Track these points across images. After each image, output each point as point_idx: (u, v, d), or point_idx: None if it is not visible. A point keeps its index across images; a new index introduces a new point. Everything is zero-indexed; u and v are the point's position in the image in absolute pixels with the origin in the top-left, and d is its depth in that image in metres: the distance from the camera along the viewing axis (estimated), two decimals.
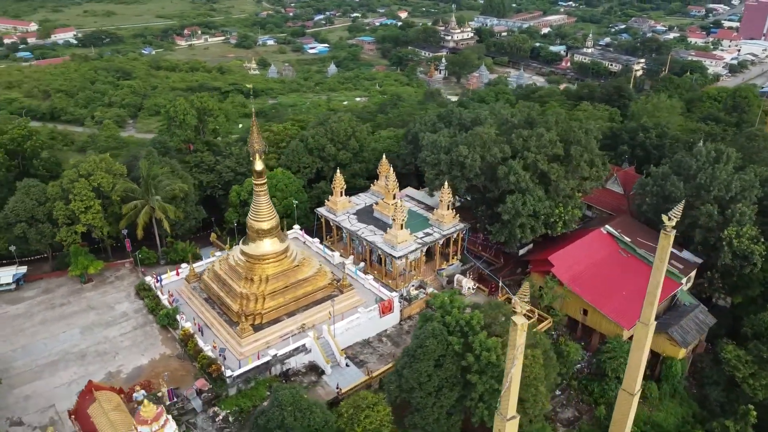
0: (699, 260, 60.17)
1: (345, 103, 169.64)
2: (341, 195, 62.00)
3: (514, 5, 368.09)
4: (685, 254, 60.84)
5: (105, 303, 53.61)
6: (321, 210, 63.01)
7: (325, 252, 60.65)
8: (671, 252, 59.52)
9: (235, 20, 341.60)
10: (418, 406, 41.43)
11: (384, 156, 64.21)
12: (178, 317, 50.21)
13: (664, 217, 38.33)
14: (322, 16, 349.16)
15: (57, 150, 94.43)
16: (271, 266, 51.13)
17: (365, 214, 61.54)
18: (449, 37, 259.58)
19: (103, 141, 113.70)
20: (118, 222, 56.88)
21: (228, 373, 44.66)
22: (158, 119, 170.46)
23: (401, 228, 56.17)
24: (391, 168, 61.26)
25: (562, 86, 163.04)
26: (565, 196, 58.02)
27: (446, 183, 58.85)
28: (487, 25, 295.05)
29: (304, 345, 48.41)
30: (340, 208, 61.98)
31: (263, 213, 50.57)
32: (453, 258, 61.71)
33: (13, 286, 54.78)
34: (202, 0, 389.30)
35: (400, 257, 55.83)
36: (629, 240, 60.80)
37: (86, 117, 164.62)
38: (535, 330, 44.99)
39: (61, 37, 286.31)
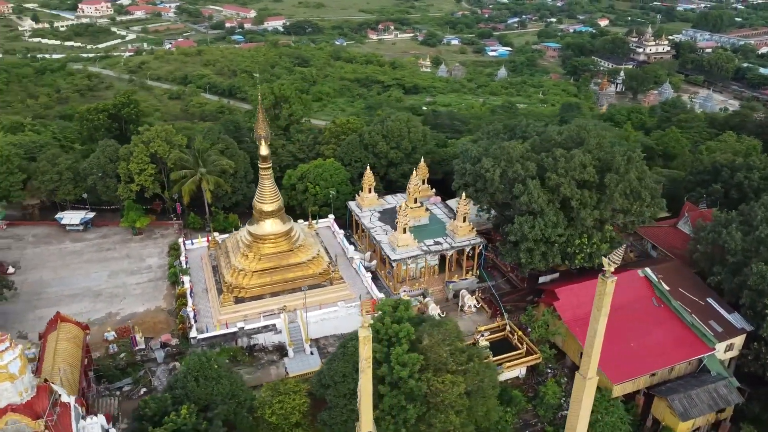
0: (749, 327, 51.21)
1: (522, 106, 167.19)
2: (369, 192, 63.05)
3: (738, 19, 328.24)
4: (734, 317, 52.06)
5: (140, 255, 61.28)
6: (351, 204, 64.70)
7: (343, 244, 62.34)
8: (717, 312, 52.16)
9: (429, 18, 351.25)
10: (331, 404, 41.78)
11: (422, 159, 63.95)
12: (185, 277, 55.79)
13: (605, 261, 34.01)
14: (516, 20, 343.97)
15: None
16: (268, 246, 54.30)
17: (389, 214, 61.87)
18: (641, 50, 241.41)
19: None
20: (171, 187, 64.44)
21: (193, 334, 48.99)
22: (318, 104, 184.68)
23: (404, 232, 55.81)
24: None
25: (758, 115, 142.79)
26: (590, 226, 52.89)
27: (464, 194, 57.04)
28: (693, 39, 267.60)
29: (274, 325, 50.97)
30: (367, 204, 63.12)
31: (267, 195, 53.87)
32: (467, 273, 59.55)
33: (80, 228, 65.01)
34: None
35: (396, 260, 55.61)
36: (668, 288, 53.71)
37: (252, 97, 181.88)
38: (480, 359, 42.32)
39: (272, 24, 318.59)
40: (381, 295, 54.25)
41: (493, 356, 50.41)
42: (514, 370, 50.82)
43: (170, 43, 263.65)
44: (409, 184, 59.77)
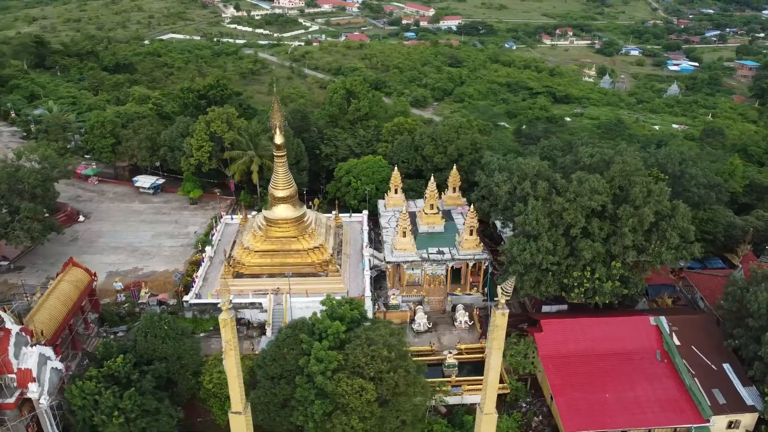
0: (760, 405, 43.51)
1: (656, 127, 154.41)
2: (396, 192, 63.25)
3: None
4: (748, 392, 44.60)
5: (186, 222, 67.93)
6: (379, 202, 65.38)
7: (365, 240, 63.35)
8: (729, 382, 45.40)
9: (615, 26, 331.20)
10: (259, 385, 43.78)
11: (455, 166, 62.58)
12: (207, 247, 61.02)
13: (499, 289, 32.03)
14: (716, 33, 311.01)
15: None
16: (275, 230, 57.30)
17: (409, 217, 61.53)
18: None
19: (390, 111, 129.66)
20: (228, 165, 70.45)
21: (187, 298, 53.84)
22: (459, 105, 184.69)
23: (403, 235, 55.51)
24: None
25: None
26: (590, 259, 48.36)
27: (472, 206, 55.09)
28: None
29: (261, 303, 54.09)
30: (391, 204, 63.41)
31: (280, 182, 56.79)
32: (473, 288, 57.43)
33: (150, 191, 73.66)
34: (596, 2, 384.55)
35: (389, 262, 55.55)
36: (678, 344, 47.56)
37: (397, 92, 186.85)
38: (408, 372, 41.32)
39: (447, 23, 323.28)
40: (368, 294, 54.69)
41: (459, 376, 48.92)
42: (478, 395, 48.46)
43: (344, 36, 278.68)
44: (427, 189, 59.00)
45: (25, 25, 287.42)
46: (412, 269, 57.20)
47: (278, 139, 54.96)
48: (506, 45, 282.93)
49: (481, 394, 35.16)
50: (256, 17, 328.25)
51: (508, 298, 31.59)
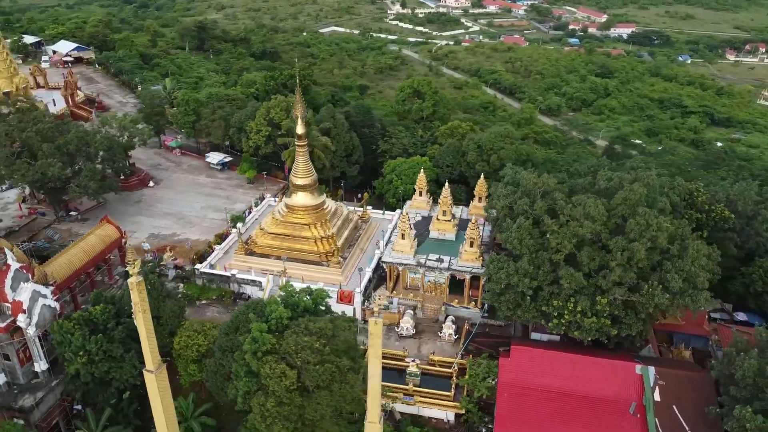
0: None
1: None
2: (420, 195, 62.56)
3: None
4: None
5: (236, 198, 72.94)
6: (407, 203, 65.01)
7: (385, 237, 63.52)
8: None
9: None
10: (215, 354, 46.54)
11: (482, 176, 60.38)
12: (239, 224, 65.30)
13: (374, 298, 31.77)
14: None
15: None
16: (291, 215, 59.81)
17: (426, 222, 60.73)
18: None
19: (514, 117, 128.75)
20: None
21: (198, 266, 58.44)
22: (595, 118, 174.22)
23: (402, 237, 55.03)
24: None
25: None
26: (570, 289, 44.57)
27: (474, 218, 53.04)
28: None
29: (260, 282, 57.06)
30: (414, 206, 62.84)
31: (300, 170, 59.16)
32: (471, 302, 55.32)
33: (218, 167, 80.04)
34: None
35: (384, 261, 55.41)
36: (658, 399, 42.52)
37: (529, 98, 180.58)
38: (341, 371, 41.48)
39: (618, 31, 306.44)
40: (357, 290, 55.14)
41: (424, 387, 48.01)
42: (434, 409, 47.27)
43: (501, 38, 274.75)
44: (441, 195, 57.75)
45: (213, 12, 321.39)
46: (414, 273, 56.59)
47: (299, 128, 57.28)
48: (680, 58, 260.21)
49: (368, 404, 34.57)
50: (419, 15, 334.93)
51: (383, 308, 30.86)
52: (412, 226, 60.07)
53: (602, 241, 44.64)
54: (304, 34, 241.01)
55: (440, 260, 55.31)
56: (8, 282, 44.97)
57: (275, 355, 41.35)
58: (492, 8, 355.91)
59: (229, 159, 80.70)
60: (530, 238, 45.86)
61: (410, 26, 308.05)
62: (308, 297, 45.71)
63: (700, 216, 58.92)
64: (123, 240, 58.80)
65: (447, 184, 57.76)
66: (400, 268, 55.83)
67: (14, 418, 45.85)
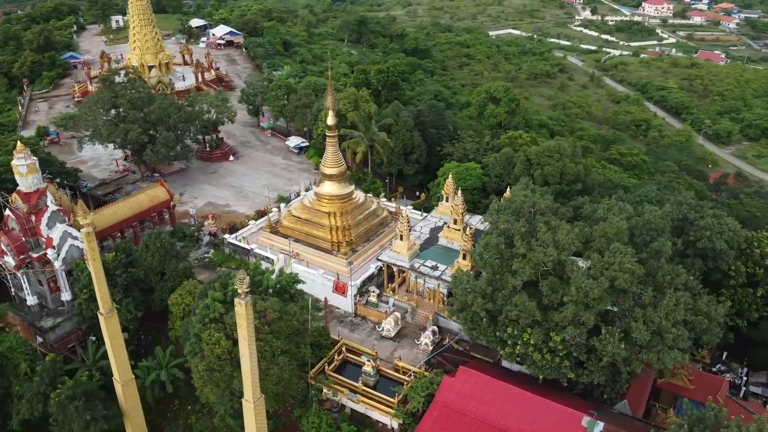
0: None
1: None
2: (446, 200, 60.77)
3: None
4: None
5: (296, 181, 76.69)
6: (436, 208, 63.66)
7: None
8: None
9: None
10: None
11: (509, 189, 57.14)
12: (281, 204, 69.07)
13: (236, 277, 33.27)
14: None
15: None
16: (318, 203, 61.98)
17: (438, 227, 59.23)
18: None
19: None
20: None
21: (226, 236, 63.37)
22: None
23: (400, 239, 54.44)
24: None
25: None
26: (518, 319, 41.19)
27: (467, 229, 50.74)
28: None
29: (272, 260, 60.26)
30: (439, 211, 61.40)
31: (329, 161, 61.04)
32: None
33: (295, 151, 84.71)
34: None
35: (381, 260, 55.25)
36: None
37: (696, 120, 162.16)
38: (272, 350, 43.01)
39: None
40: (354, 283, 55.78)
41: (378, 389, 47.79)
42: (376, 413, 46.75)
43: (697, 53, 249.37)
44: (452, 202, 55.90)
45: (399, 8, 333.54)
46: (415, 277, 55.84)
47: (330, 120, 59.21)
48: None
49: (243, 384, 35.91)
50: (609, 22, 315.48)
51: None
52: (422, 229, 59.43)
53: (566, 273, 40.65)
54: (467, 34, 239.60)
55: (435, 268, 53.90)
56: (44, 220, 53.17)
57: (219, 324, 44.10)
58: (697, 20, 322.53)
59: (306, 144, 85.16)
60: (496, 257, 43.14)
61: (595, 34, 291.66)
62: (273, 278, 47.76)
63: (755, 270, 50.84)
64: (171, 203, 65.62)
65: (459, 192, 55.79)
66: (395, 269, 55.41)
67: (37, 335, 54.25)
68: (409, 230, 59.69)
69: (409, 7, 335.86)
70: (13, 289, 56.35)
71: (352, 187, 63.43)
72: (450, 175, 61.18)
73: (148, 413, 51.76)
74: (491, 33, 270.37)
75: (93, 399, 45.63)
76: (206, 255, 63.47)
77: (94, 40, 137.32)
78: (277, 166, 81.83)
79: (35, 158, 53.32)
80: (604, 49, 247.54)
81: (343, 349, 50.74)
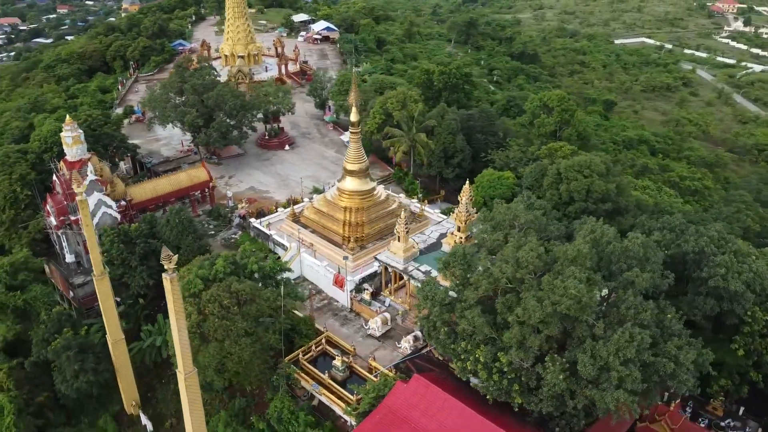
0: None
1: None
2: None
3: None
4: None
5: (339, 174, 78.29)
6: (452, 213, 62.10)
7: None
8: None
9: None
10: None
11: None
12: (314, 194, 70.95)
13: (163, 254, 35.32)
14: None
15: None
16: (338, 197, 63.10)
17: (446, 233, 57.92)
18: None
19: None
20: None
21: (252, 221, 66.40)
22: None
23: (397, 240, 54.02)
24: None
25: None
26: (485, 340, 39.61)
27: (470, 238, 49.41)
28: None
29: (286, 246, 62.34)
30: (453, 217, 59.87)
31: (351, 156, 61.90)
32: None
33: (347, 145, 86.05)
34: None
35: (377, 259, 55.16)
36: None
37: None
38: (239, 329, 44.82)
39: None
40: (349, 279, 56.29)
41: (338, 384, 48.27)
42: (337, 408, 47.15)
43: None
44: (456, 210, 54.47)
45: (529, 11, 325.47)
46: (408, 280, 55.29)
47: (353, 116, 60.12)
48: None
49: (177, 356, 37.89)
50: (764, 35, 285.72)
51: (167, 266, 34.05)
52: (432, 233, 58.79)
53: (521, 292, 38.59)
54: (587, 41, 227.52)
55: (428, 273, 52.96)
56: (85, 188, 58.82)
57: (196, 299, 46.77)
58: None
59: None
60: (460, 267, 41.94)
61: (744, 47, 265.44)
62: (257, 264, 49.65)
63: None
64: (210, 183, 69.87)
65: (465, 199, 54.19)
66: (390, 269, 55.16)
67: (69, 290, 60.42)
68: (420, 233, 59.36)
69: (539, 10, 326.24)
70: (57, 247, 63.00)
71: (374, 184, 63.91)
72: (467, 182, 59.53)
73: (146, 375, 56.12)
74: (621, 41, 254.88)
75: (86, 352, 50.18)
76: (233, 236, 66.90)
77: (208, 30, 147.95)
78: (327, 158, 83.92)
79: (80, 131, 59.24)
80: (743, 63, 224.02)
81: (323, 341, 51.52)
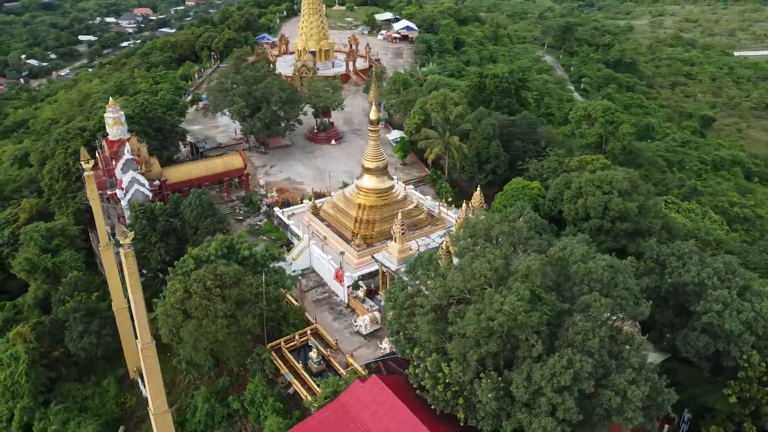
0: None
1: None
2: (473, 213, 57.61)
3: None
4: None
5: None
6: None
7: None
8: None
9: None
10: None
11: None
12: (342, 189, 71.70)
13: (118, 231, 37.82)
14: None
15: None
16: (356, 194, 63.61)
17: None
18: None
19: None
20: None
21: (276, 209, 68.44)
22: None
23: (394, 241, 53.67)
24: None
25: None
26: (437, 349, 38.81)
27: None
28: None
29: (300, 237, 63.76)
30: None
31: (370, 154, 62.18)
32: None
33: (393, 144, 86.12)
34: None
35: (374, 258, 55.11)
36: None
37: None
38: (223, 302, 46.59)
39: None
40: (347, 275, 56.64)
41: (313, 375, 48.97)
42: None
43: None
44: (456, 217, 53.16)
45: (646, 17, 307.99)
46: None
47: (372, 114, 60.47)
48: None
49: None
50: None
51: (123, 241, 36.30)
52: (439, 237, 57.93)
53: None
54: (698, 51, 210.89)
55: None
56: (120, 165, 63.66)
57: (185, 277, 49.22)
58: None
59: (404, 136, 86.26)
60: (423, 273, 41.30)
61: None
62: (249, 251, 51.32)
63: None
64: (245, 171, 72.80)
65: (464, 205, 52.79)
66: (384, 269, 54.93)
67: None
68: (426, 236, 58.87)
69: (658, 17, 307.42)
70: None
71: (392, 182, 63.89)
72: (478, 188, 57.90)
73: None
74: (743, 53, 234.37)
75: (93, 315, 54.26)
76: (259, 222, 69.36)
77: (296, 26, 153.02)
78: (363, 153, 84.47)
79: (121, 113, 63.89)
80: None
81: (308, 332, 52.35)
